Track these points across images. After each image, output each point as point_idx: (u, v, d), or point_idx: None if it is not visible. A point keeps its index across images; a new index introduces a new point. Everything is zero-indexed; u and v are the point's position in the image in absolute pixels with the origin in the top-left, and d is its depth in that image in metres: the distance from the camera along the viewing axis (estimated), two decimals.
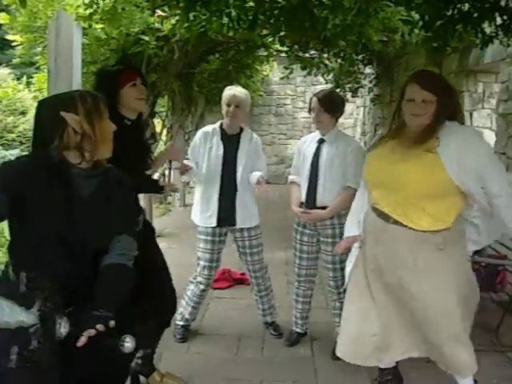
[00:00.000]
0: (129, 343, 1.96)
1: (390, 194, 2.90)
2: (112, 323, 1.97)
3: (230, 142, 4.19)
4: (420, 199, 2.79)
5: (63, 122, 2.02)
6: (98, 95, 2.19)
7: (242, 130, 4.28)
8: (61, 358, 2.00)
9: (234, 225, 4.22)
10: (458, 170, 2.69)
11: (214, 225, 4.17)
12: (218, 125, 4.26)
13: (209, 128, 4.29)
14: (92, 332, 1.91)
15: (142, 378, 3.56)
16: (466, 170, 2.69)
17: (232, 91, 4.16)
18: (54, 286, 1.90)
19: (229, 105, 4.11)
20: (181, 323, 4.37)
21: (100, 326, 1.93)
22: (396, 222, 2.87)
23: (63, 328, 1.86)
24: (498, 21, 4.02)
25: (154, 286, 3.28)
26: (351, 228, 3.22)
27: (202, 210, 4.23)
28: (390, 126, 3.06)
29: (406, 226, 2.84)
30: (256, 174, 4.18)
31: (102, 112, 2.11)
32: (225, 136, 4.20)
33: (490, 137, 6.92)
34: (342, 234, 3.85)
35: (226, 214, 4.18)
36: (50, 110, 2.07)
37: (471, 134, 2.86)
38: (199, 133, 4.33)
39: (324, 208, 3.87)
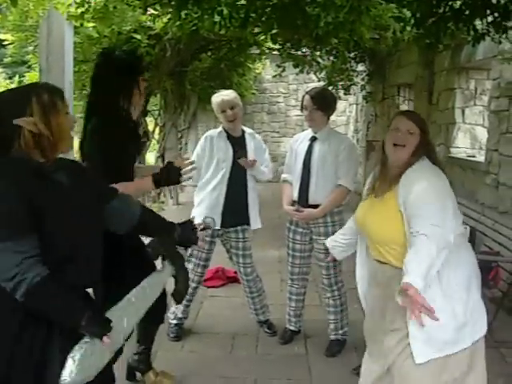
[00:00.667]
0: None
1: (367, 238, 2.87)
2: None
3: (238, 144, 4.18)
4: (387, 244, 2.71)
5: (18, 126, 1.94)
6: (56, 88, 2.08)
7: (243, 131, 4.28)
8: None
9: (248, 224, 4.23)
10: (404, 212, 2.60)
11: (218, 227, 4.15)
12: (220, 129, 4.24)
13: (213, 132, 4.26)
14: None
15: (137, 375, 3.59)
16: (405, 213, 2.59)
17: (219, 98, 4.12)
18: None
19: (224, 110, 4.09)
20: (174, 322, 4.36)
21: None
22: (386, 263, 2.75)
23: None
24: (490, 18, 4.02)
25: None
26: (334, 248, 3.22)
27: (207, 213, 4.19)
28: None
29: (384, 263, 2.75)
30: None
31: (58, 109, 2.00)
32: (232, 140, 4.19)
33: (482, 134, 6.95)
34: (334, 231, 3.85)
35: (235, 216, 4.17)
36: (3, 114, 1.97)
37: (422, 178, 2.65)
38: (203, 138, 4.28)
39: (316, 206, 3.88)
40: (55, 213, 1.92)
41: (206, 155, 4.19)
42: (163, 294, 3.44)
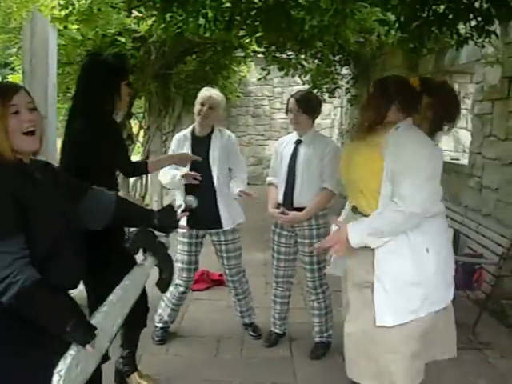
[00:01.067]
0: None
1: (350, 187, 2.93)
2: None
3: (200, 145, 4.14)
4: (369, 191, 2.76)
5: None
6: (3, 88, 2.01)
7: (212, 130, 4.22)
8: None
9: (220, 227, 4.19)
10: (387, 166, 2.66)
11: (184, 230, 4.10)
12: (189, 129, 4.23)
13: (181, 134, 4.27)
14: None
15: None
16: (391, 168, 2.65)
17: (209, 92, 4.13)
18: None
19: (203, 104, 4.08)
20: (159, 325, 4.34)
21: None
22: (361, 213, 2.83)
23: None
24: (473, 22, 4.06)
25: None
26: None
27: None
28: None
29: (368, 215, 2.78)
30: (235, 186, 4.16)
31: None
32: (195, 140, 4.17)
33: (466, 137, 7.00)
34: (319, 234, 3.88)
35: (207, 218, 4.10)
36: None
37: (410, 141, 2.71)
38: (173, 140, 4.31)
39: (301, 209, 3.88)
40: (38, 211, 1.91)
41: None
42: (144, 297, 3.44)
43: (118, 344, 3.46)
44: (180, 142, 4.20)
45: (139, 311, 3.43)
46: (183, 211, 2.64)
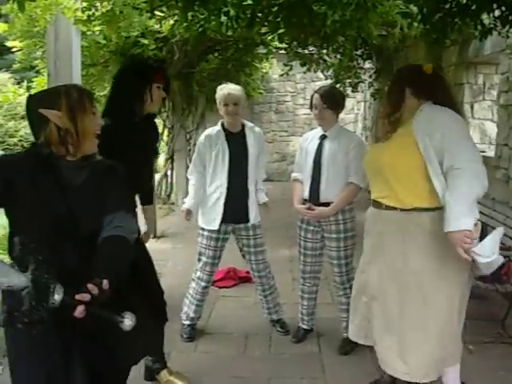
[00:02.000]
0: (129, 319, 1.81)
1: (377, 179, 3.01)
2: (105, 283, 1.83)
3: (236, 140, 4.18)
4: (399, 178, 2.85)
5: (46, 118, 2.05)
6: (85, 90, 2.20)
7: (243, 126, 4.27)
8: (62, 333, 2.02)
9: (247, 221, 4.22)
10: (424, 145, 2.74)
11: (216, 228, 4.16)
12: (219, 126, 4.24)
13: (211, 131, 4.27)
14: (85, 296, 1.76)
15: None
16: (432, 144, 2.73)
17: (225, 90, 4.14)
18: (47, 256, 1.83)
19: (226, 104, 4.10)
20: (187, 322, 4.37)
21: (92, 287, 1.79)
22: (387, 207, 2.93)
23: (57, 294, 1.76)
24: (497, 12, 4.01)
25: (142, 284, 3.33)
26: None
27: (207, 213, 4.22)
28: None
29: (395, 209, 2.89)
30: (261, 195, 4.37)
31: (85, 107, 2.10)
32: (229, 136, 4.20)
33: (492, 128, 6.92)
34: (346, 229, 3.87)
35: (236, 212, 4.17)
36: (35, 106, 2.09)
37: (439, 111, 2.84)
38: (202, 137, 4.29)
39: (327, 204, 3.88)
40: (25, 203, 2.03)
41: (206, 156, 4.21)
42: (159, 292, 3.47)
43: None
44: (212, 140, 4.19)
45: (156, 306, 3.46)
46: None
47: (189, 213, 4.25)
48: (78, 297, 1.77)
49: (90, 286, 1.80)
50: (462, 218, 2.62)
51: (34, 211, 2.05)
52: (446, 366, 3.02)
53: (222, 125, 4.24)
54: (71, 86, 2.21)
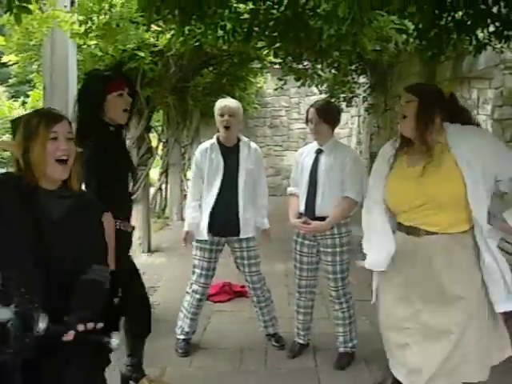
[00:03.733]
0: (115, 340, 1.92)
1: (416, 207, 2.85)
2: (100, 325, 1.95)
3: (230, 154, 4.19)
4: (444, 207, 2.77)
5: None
6: (49, 115, 2.12)
7: (239, 140, 4.28)
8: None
9: (237, 235, 4.21)
10: (469, 169, 2.69)
11: (205, 237, 4.16)
12: (215, 139, 4.25)
13: (206, 144, 4.28)
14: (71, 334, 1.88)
15: None
16: (479, 167, 2.69)
17: (223, 102, 4.18)
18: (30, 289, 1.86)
19: (222, 115, 4.12)
20: (181, 337, 4.34)
21: (81, 327, 1.90)
22: (427, 232, 2.81)
23: (41, 323, 1.81)
24: (491, 27, 4.04)
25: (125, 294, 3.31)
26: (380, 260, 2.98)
27: (199, 223, 4.23)
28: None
29: (436, 233, 2.80)
30: (262, 221, 4.38)
31: (38, 135, 2.04)
32: (224, 149, 4.20)
33: None
34: (341, 243, 3.86)
35: (227, 225, 4.17)
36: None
37: (474, 130, 2.86)
38: (198, 150, 4.30)
39: (323, 218, 3.87)
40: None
41: (203, 168, 4.22)
42: (146, 305, 3.46)
43: (121, 350, 3.47)
44: (207, 152, 4.20)
45: (142, 319, 3.45)
46: None
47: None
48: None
49: (80, 326, 1.90)
50: None
51: (10, 244, 2.02)
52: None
53: (218, 138, 4.24)
54: (40, 111, 2.18)
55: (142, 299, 3.49)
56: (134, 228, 3.26)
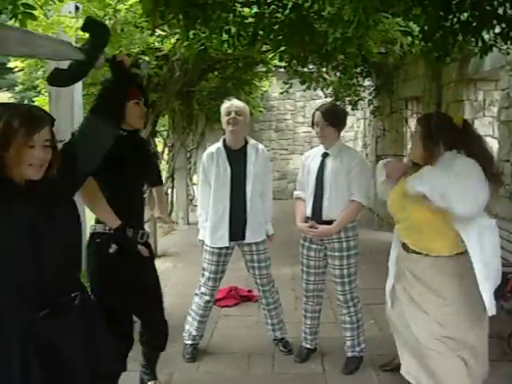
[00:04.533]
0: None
1: (402, 225, 3.10)
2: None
3: (237, 158, 4.16)
4: (425, 227, 2.95)
5: None
6: (34, 119, 2.06)
7: (246, 142, 4.25)
8: None
9: (243, 239, 4.20)
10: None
11: (227, 245, 4.16)
12: (221, 143, 4.22)
13: (212, 149, 4.25)
14: None
15: None
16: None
17: (230, 102, 4.16)
18: None
19: (229, 113, 4.09)
20: (189, 342, 4.33)
21: None
22: (414, 252, 3.03)
23: None
24: (497, 29, 4.02)
25: (147, 309, 3.37)
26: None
27: (213, 230, 4.20)
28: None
29: (421, 254, 3.00)
30: (266, 227, 4.35)
31: (16, 141, 1.99)
32: (230, 153, 4.17)
33: (493, 144, 6.91)
34: (349, 247, 3.85)
35: (236, 229, 4.16)
36: None
37: (459, 161, 2.90)
38: (205, 156, 4.27)
39: (330, 222, 3.85)
40: None
41: (210, 172, 4.20)
42: (164, 321, 3.46)
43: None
44: (213, 157, 4.18)
45: (160, 333, 3.46)
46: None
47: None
48: None
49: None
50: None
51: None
52: None
53: (224, 141, 4.22)
54: (20, 112, 2.06)
55: (161, 316, 3.50)
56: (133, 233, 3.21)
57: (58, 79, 2.32)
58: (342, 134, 4.11)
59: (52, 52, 2.11)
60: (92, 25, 2.28)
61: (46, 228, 2.05)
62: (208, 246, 4.22)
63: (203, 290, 4.29)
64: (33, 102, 7.89)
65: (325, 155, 3.96)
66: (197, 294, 4.35)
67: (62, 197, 2.16)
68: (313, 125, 3.99)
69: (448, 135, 2.96)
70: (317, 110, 3.97)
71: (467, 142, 2.98)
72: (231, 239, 4.19)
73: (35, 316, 2.03)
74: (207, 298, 4.29)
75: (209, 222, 4.23)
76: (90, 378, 2.19)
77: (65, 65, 2.41)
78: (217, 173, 4.15)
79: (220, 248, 4.18)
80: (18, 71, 6.56)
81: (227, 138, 4.20)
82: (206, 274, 4.26)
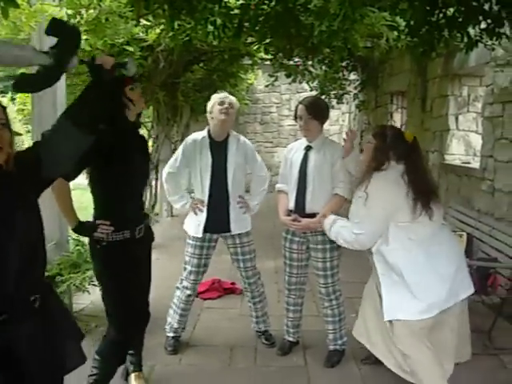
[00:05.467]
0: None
1: None
2: None
3: (218, 149, 4.14)
4: None
5: None
6: None
7: (228, 135, 4.22)
8: None
9: (228, 231, 4.19)
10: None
11: (200, 235, 4.13)
12: (205, 132, 4.20)
13: (197, 136, 4.23)
14: None
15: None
16: None
17: (223, 93, 4.17)
18: None
19: (222, 103, 4.06)
20: (171, 334, 4.31)
21: None
22: None
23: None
24: (483, 24, 4.03)
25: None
26: None
27: (192, 219, 4.20)
28: None
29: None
30: (253, 203, 4.35)
31: None
32: (213, 144, 4.15)
33: (477, 140, 6.95)
34: (331, 240, 3.83)
35: (218, 222, 4.14)
36: None
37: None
38: (189, 141, 4.23)
39: (313, 215, 3.85)
40: None
41: (191, 159, 4.17)
42: (148, 304, 3.47)
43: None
44: (197, 144, 4.15)
45: (146, 316, 3.45)
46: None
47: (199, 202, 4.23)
48: None
49: None
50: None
51: None
52: None
53: (208, 132, 4.20)
54: None
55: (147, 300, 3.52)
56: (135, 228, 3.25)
57: (24, 85, 2.22)
58: (328, 127, 4.12)
59: (13, 58, 2.01)
60: (58, 27, 2.14)
61: (3, 228, 1.98)
62: (191, 238, 4.20)
63: (185, 283, 4.27)
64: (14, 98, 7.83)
65: (308, 148, 3.95)
66: (178, 288, 4.32)
67: (22, 195, 2.08)
68: (296, 118, 3.97)
69: (400, 149, 3.33)
70: (300, 103, 3.95)
71: (414, 156, 3.36)
72: (214, 231, 4.18)
73: None
74: (189, 292, 4.27)
75: (189, 212, 4.24)
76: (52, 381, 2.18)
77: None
78: (199, 162, 4.12)
79: (202, 240, 4.16)
80: None
81: (212, 129, 4.17)
82: (188, 267, 4.23)
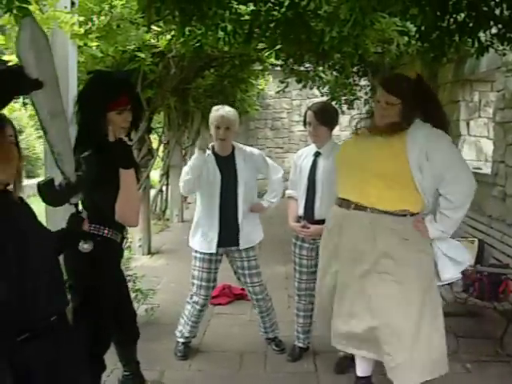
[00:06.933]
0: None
1: (353, 177, 3.14)
2: None
3: (226, 164, 4.11)
4: (380, 180, 3.01)
5: None
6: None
7: (234, 148, 4.19)
8: None
9: (237, 245, 4.16)
10: (419, 164, 2.94)
11: (214, 251, 4.11)
12: (209, 151, 4.11)
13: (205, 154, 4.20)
14: None
15: None
16: (431, 166, 2.94)
17: (220, 112, 4.04)
18: None
19: (218, 127, 4.00)
20: (181, 340, 4.31)
21: None
22: (356, 207, 3.09)
23: None
24: (494, 30, 4.02)
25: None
26: None
27: (203, 235, 4.16)
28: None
29: (365, 209, 3.05)
30: (268, 199, 4.36)
31: None
32: (219, 160, 4.12)
33: (488, 146, 6.92)
34: None
35: (228, 236, 4.12)
36: None
37: (438, 134, 3.02)
38: (198, 156, 4.05)
39: (322, 221, 3.83)
40: None
41: (202, 170, 4.07)
42: (130, 312, 3.41)
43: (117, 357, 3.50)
44: (205, 162, 4.06)
45: (126, 327, 3.38)
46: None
47: None
48: None
49: None
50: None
51: None
52: None
53: (213, 148, 4.16)
54: None
55: (127, 308, 3.40)
56: (124, 238, 3.19)
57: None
58: (338, 133, 4.12)
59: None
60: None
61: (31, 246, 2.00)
62: (198, 252, 4.18)
63: (195, 299, 4.24)
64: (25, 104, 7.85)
65: (317, 154, 3.95)
66: (188, 303, 4.30)
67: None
68: (305, 124, 3.97)
69: (424, 104, 3.06)
70: (309, 109, 3.95)
71: (431, 108, 3.12)
72: (222, 245, 4.15)
73: (13, 340, 1.93)
74: (199, 307, 4.25)
75: (197, 227, 4.21)
76: None
77: None
78: (207, 178, 4.07)
79: (210, 254, 4.14)
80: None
81: (216, 146, 4.14)
82: (197, 282, 4.21)
